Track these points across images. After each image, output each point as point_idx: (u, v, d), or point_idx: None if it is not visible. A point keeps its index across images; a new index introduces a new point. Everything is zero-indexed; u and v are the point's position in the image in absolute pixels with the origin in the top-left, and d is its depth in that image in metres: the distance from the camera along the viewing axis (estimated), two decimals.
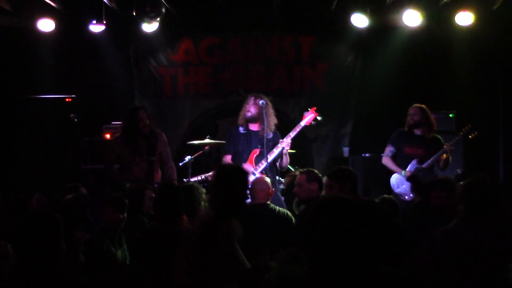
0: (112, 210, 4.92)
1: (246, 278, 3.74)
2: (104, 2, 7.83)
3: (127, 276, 3.96)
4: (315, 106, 7.37)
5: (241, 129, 7.11)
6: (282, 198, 6.93)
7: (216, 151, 8.91)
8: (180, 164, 7.78)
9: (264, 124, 6.82)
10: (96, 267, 4.24)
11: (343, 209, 3.15)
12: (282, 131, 7.40)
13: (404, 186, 6.97)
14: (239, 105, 7.34)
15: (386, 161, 7.21)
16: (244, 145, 7.04)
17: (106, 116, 8.76)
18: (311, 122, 7.14)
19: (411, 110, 7.19)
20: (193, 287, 3.67)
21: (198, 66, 9.75)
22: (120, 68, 9.63)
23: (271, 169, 6.95)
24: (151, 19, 8.38)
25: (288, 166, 7.42)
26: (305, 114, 7.18)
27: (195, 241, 3.79)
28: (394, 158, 7.17)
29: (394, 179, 7.12)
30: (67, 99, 8.75)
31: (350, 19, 8.46)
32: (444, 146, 6.99)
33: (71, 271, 3.65)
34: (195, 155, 7.78)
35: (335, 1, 8.48)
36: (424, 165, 6.94)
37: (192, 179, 7.64)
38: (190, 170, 7.66)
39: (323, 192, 5.44)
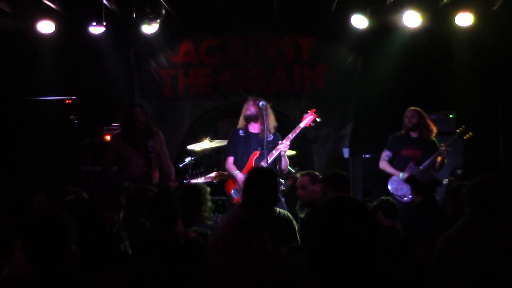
0: (106, 209, 4.91)
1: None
2: (104, 3, 7.82)
3: (128, 276, 3.97)
4: (315, 107, 7.36)
5: (240, 132, 7.12)
6: (283, 200, 6.94)
7: (217, 153, 8.92)
8: (180, 165, 7.78)
9: (264, 126, 6.83)
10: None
11: (351, 209, 3.16)
12: (282, 132, 7.40)
13: (403, 187, 7.03)
14: (240, 106, 7.35)
15: (384, 165, 7.31)
16: (244, 147, 7.04)
17: (106, 117, 8.76)
18: (310, 124, 7.14)
19: (408, 113, 7.27)
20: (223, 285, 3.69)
21: (198, 67, 9.75)
22: (120, 70, 9.63)
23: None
24: (151, 20, 8.38)
25: (288, 167, 7.43)
26: (305, 115, 7.18)
27: (227, 241, 3.79)
28: (390, 162, 7.27)
29: (392, 182, 7.21)
30: (67, 101, 8.76)
31: (350, 20, 8.47)
32: (441, 148, 7.05)
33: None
34: (195, 156, 7.78)
35: (335, 2, 8.48)
36: (421, 167, 6.99)
37: (193, 181, 7.64)
38: (190, 171, 7.66)
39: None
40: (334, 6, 8.60)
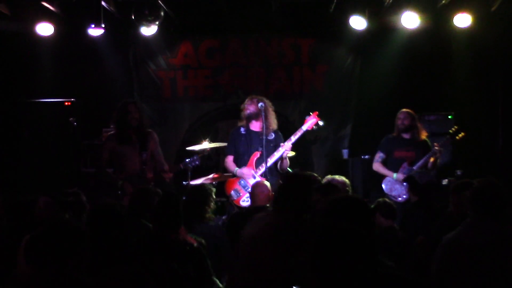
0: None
1: None
2: (103, 5, 7.83)
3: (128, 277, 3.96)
4: (314, 108, 7.39)
5: (242, 130, 7.13)
6: None
7: (216, 154, 8.93)
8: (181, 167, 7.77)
9: (263, 125, 6.84)
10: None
11: (354, 209, 3.16)
12: (281, 132, 7.42)
13: (397, 188, 7.18)
14: (239, 108, 7.37)
15: (377, 166, 7.48)
16: (245, 146, 7.06)
17: (106, 119, 8.73)
18: (312, 127, 7.19)
19: (400, 115, 7.41)
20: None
21: (197, 69, 9.76)
22: (119, 72, 9.64)
23: (272, 171, 6.97)
24: (150, 22, 8.38)
25: (288, 168, 7.44)
26: (307, 118, 7.23)
27: (264, 251, 3.77)
28: (384, 163, 7.43)
29: (386, 182, 7.34)
30: (66, 103, 8.77)
31: (349, 21, 8.47)
32: (433, 148, 7.16)
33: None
34: (198, 163, 7.77)
35: (334, 3, 8.49)
36: (414, 168, 7.14)
37: (192, 182, 7.64)
38: (189, 173, 7.66)
39: None
40: (333, 7, 8.60)
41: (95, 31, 8.13)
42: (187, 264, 4.04)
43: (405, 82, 9.20)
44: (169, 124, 9.76)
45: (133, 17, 8.36)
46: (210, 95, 9.80)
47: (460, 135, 7.43)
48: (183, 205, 5.43)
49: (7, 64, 9.28)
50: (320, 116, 7.37)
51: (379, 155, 7.48)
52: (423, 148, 7.27)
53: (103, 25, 7.83)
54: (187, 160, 7.04)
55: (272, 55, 9.70)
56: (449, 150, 8.32)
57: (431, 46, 9.07)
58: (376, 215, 5.30)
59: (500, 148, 9.07)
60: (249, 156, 7.02)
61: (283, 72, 9.72)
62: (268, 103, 7.10)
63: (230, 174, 7.19)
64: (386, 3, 8.28)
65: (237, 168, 7.00)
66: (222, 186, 7.11)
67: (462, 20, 8.34)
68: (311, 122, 7.19)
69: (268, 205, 5.71)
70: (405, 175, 7.02)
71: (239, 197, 6.93)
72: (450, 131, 7.49)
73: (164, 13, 8.44)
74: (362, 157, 8.60)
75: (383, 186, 7.32)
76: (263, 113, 6.91)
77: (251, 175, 6.89)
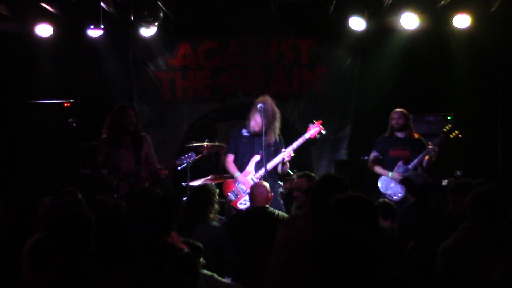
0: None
1: None
2: (102, 7, 7.82)
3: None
4: (314, 109, 7.41)
5: (244, 131, 7.12)
6: (282, 202, 6.95)
7: (215, 155, 8.92)
8: (179, 168, 7.77)
9: (264, 128, 6.84)
10: None
11: (360, 209, 3.16)
12: (280, 133, 7.41)
13: (392, 186, 7.24)
14: (238, 109, 7.39)
15: (372, 165, 7.54)
16: (246, 148, 7.05)
17: (105, 120, 8.75)
18: (315, 136, 7.20)
19: (394, 115, 7.48)
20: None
21: (197, 70, 9.75)
22: (119, 73, 9.63)
23: (272, 174, 6.97)
24: (149, 23, 8.38)
25: (288, 170, 7.45)
26: (310, 126, 7.25)
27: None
28: (379, 162, 7.50)
29: (381, 181, 7.40)
30: (65, 104, 8.77)
31: (348, 22, 8.48)
32: (428, 147, 7.23)
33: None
34: (194, 159, 7.77)
35: (333, 4, 8.49)
36: (410, 166, 7.20)
37: (191, 183, 7.64)
38: (189, 174, 7.66)
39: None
40: (332, 8, 8.60)
41: (94, 32, 8.13)
42: (179, 270, 4.03)
43: (404, 83, 9.20)
44: (169, 125, 9.76)
45: (132, 18, 8.37)
46: (209, 96, 9.80)
47: (454, 133, 7.48)
48: (185, 205, 5.43)
49: (6, 65, 9.28)
50: (320, 117, 7.38)
51: (374, 155, 7.56)
52: (418, 147, 7.35)
53: (102, 26, 7.83)
54: (182, 157, 7.05)
55: (272, 56, 9.70)
56: (458, 153, 8.43)
57: (431, 47, 9.07)
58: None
59: (499, 149, 9.07)
60: (249, 159, 7.01)
61: (283, 73, 9.72)
62: (271, 106, 7.08)
63: (229, 175, 7.18)
64: (385, 4, 8.29)
65: (238, 173, 6.98)
66: (220, 187, 7.10)
67: (462, 20, 8.34)
68: (314, 130, 7.21)
69: (267, 205, 5.71)
70: (400, 174, 7.09)
71: (237, 199, 6.92)
72: (444, 129, 7.54)
73: (163, 14, 8.44)
74: (362, 157, 8.60)
75: (379, 184, 7.38)
76: (262, 114, 6.89)
77: (249, 185, 6.89)
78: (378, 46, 9.21)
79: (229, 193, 6.94)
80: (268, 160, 6.85)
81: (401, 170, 7.19)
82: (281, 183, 7.58)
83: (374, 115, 9.07)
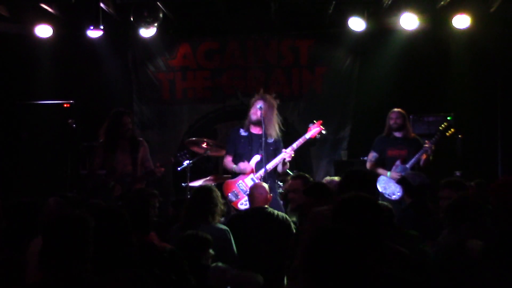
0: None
1: None
2: (102, 7, 7.83)
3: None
4: (313, 110, 7.42)
5: (242, 131, 7.13)
6: (281, 202, 6.94)
7: (215, 156, 8.91)
8: (179, 168, 7.78)
9: (263, 127, 6.85)
10: None
11: (365, 208, 3.16)
12: (280, 133, 7.41)
13: (390, 186, 7.28)
14: (238, 109, 7.39)
15: (370, 165, 7.59)
16: (245, 148, 7.06)
17: (103, 124, 8.75)
18: (315, 136, 7.22)
19: (392, 114, 7.55)
20: None
21: (196, 71, 9.75)
22: (118, 73, 9.64)
23: (271, 174, 6.97)
24: (148, 24, 8.39)
25: (288, 170, 7.45)
26: (311, 126, 7.26)
27: None
28: (377, 162, 7.56)
29: (380, 181, 7.41)
30: (65, 105, 8.76)
31: (347, 23, 8.48)
32: (424, 145, 7.30)
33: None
34: (194, 159, 7.78)
35: (333, 5, 8.49)
36: (407, 165, 7.26)
37: (191, 184, 7.64)
38: (188, 174, 7.66)
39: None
40: (331, 8, 8.60)
41: (94, 33, 8.13)
42: (167, 269, 4.03)
43: (404, 83, 9.20)
44: (168, 125, 9.75)
45: (132, 19, 8.37)
46: (209, 97, 9.79)
47: (450, 132, 7.54)
48: (187, 206, 5.39)
49: (6, 66, 9.28)
50: (320, 118, 7.38)
51: (372, 155, 7.61)
52: (415, 146, 7.41)
53: (102, 27, 7.83)
54: (178, 154, 7.09)
55: (271, 57, 9.69)
56: (458, 153, 8.50)
57: (430, 47, 9.06)
58: None
59: (499, 149, 9.07)
60: (248, 159, 7.02)
61: (282, 73, 9.71)
62: (271, 103, 7.10)
63: (229, 175, 7.19)
64: (385, 4, 8.29)
65: (235, 166, 6.99)
66: (220, 188, 7.11)
67: (461, 21, 8.34)
68: (314, 130, 7.22)
69: (266, 206, 5.71)
70: (398, 173, 7.13)
71: (238, 199, 6.91)
72: (440, 127, 7.62)
73: (162, 15, 8.45)
74: (361, 158, 8.59)
75: (378, 185, 7.37)
76: (262, 115, 6.91)
77: (250, 170, 6.89)
78: (377, 46, 9.20)
79: (229, 194, 6.93)
80: (268, 160, 6.85)
81: (399, 169, 7.23)
82: (281, 184, 7.58)
83: (373, 116, 9.05)
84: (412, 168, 7.24)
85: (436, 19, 8.59)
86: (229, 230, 5.28)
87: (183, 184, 7.83)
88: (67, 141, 8.32)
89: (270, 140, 7.00)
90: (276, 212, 5.63)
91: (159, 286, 3.73)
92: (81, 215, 3.34)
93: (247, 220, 5.56)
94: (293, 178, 5.81)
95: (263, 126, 6.88)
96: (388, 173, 7.34)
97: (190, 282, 4.19)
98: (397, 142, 7.50)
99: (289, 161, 7.12)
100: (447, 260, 3.87)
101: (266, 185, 5.89)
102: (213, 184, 7.41)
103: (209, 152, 7.72)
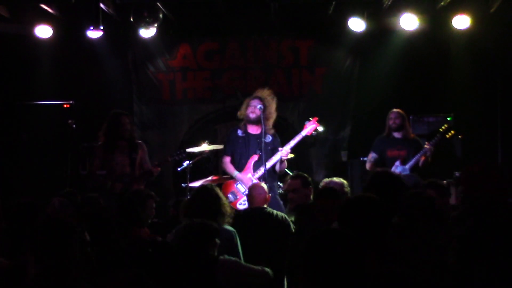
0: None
1: None
2: (102, 8, 7.83)
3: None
4: (313, 110, 7.42)
5: (239, 132, 7.14)
6: (281, 202, 6.95)
7: (215, 157, 8.92)
8: (179, 169, 7.79)
9: (262, 128, 6.87)
10: None
11: (373, 207, 3.17)
12: (280, 135, 7.43)
13: None
14: (238, 110, 7.38)
15: (369, 166, 7.68)
16: (242, 148, 7.08)
17: (102, 125, 8.76)
18: (312, 133, 7.22)
19: (392, 115, 7.62)
20: None
21: (196, 71, 9.75)
22: (118, 74, 9.63)
23: (270, 174, 6.98)
24: (148, 24, 8.39)
25: (287, 170, 7.45)
26: (306, 123, 7.26)
27: None
28: (376, 163, 7.62)
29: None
30: (65, 105, 8.77)
31: (347, 23, 8.48)
32: (425, 146, 7.36)
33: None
34: (194, 160, 7.79)
35: (333, 5, 8.49)
36: (407, 166, 7.32)
37: (191, 184, 7.64)
38: (188, 175, 7.67)
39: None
40: (331, 9, 8.60)
41: (94, 33, 8.13)
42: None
43: (404, 84, 9.20)
44: (168, 126, 9.75)
45: (132, 19, 8.38)
46: (209, 97, 9.79)
47: (450, 133, 7.57)
48: (186, 207, 5.34)
49: (6, 67, 9.28)
50: (319, 118, 7.39)
51: (372, 156, 7.68)
52: (414, 147, 7.47)
53: (102, 27, 7.82)
54: (174, 153, 7.26)
55: (271, 57, 9.69)
56: (458, 154, 8.55)
57: (430, 48, 9.06)
58: None
59: (499, 150, 9.07)
60: (246, 159, 7.02)
61: (282, 74, 9.71)
62: (269, 101, 7.12)
63: (229, 176, 7.19)
64: (385, 5, 8.29)
65: (236, 172, 7.00)
66: (219, 189, 7.10)
67: (461, 21, 8.34)
68: (310, 127, 7.22)
69: (265, 206, 5.71)
70: (397, 174, 7.11)
71: (236, 199, 6.92)
72: (440, 129, 7.66)
73: (162, 15, 8.46)
74: (361, 158, 8.60)
75: None
76: (262, 115, 6.94)
77: (250, 182, 6.90)
78: (377, 47, 9.20)
79: (228, 194, 6.94)
80: (267, 160, 6.86)
81: (398, 170, 7.26)
82: (281, 184, 7.58)
83: (373, 116, 9.06)
84: (412, 169, 7.25)
85: (436, 19, 8.59)
86: (236, 233, 5.15)
87: (183, 184, 7.84)
88: (67, 141, 8.32)
89: (268, 140, 7.02)
90: (275, 212, 5.63)
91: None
92: (66, 222, 3.33)
93: (246, 220, 5.55)
94: (292, 178, 5.82)
95: (262, 125, 6.89)
96: None
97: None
98: (396, 143, 7.55)
99: (287, 160, 7.13)
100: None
101: (264, 185, 5.89)
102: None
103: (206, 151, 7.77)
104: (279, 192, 7.26)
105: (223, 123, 9.61)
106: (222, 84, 9.76)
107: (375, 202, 3.28)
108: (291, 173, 7.76)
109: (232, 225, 5.49)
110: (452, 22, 8.39)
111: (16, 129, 8.83)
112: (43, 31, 8.66)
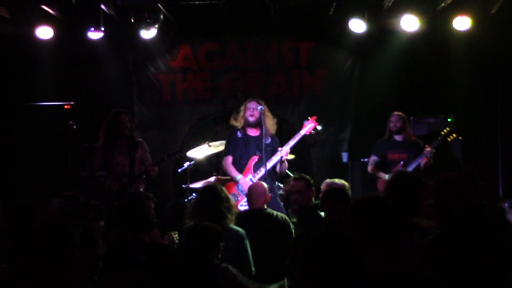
0: (92, 216, 4.92)
1: None
2: (103, 9, 7.83)
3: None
4: (313, 111, 7.41)
5: (239, 134, 7.15)
6: (281, 204, 6.95)
7: (215, 157, 8.92)
8: (179, 170, 7.79)
9: (263, 130, 6.88)
10: None
11: (384, 208, 3.17)
12: (280, 136, 7.44)
13: None
14: (238, 110, 7.39)
15: (371, 169, 7.75)
16: (243, 150, 7.08)
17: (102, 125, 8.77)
18: (311, 132, 7.23)
19: (393, 118, 7.68)
20: None
21: (197, 72, 9.75)
22: (119, 75, 9.64)
23: (270, 175, 6.99)
24: (149, 25, 8.40)
25: (287, 171, 7.45)
26: (305, 123, 7.27)
27: None
28: (377, 166, 7.70)
29: (382, 184, 7.46)
30: (66, 106, 8.78)
31: (348, 24, 8.48)
32: (425, 150, 7.40)
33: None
34: (194, 161, 7.79)
35: (333, 7, 8.49)
36: (409, 169, 7.33)
37: (191, 185, 7.65)
38: (189, 176, 7.67)
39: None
40: (332, 10, 8.60)
41: (94, 35, 8.14)
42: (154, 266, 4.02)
43: (404, 85, 9.20)
44: (169, 127, 9.76)
45: (132, 21, 8.38)
46: (209, 98, 9.79)
47: (451, 137, 7.60)
48: (193, 208, 5.28)
49: (7, 67, 9.28)
50: (319, 119, 7.39)
51: (373, 158, 7.75)
52: (415, 149, 7.54)
53: (102, 29, 7.83)
54: (170, 152, 7.30)
55: (271, 58, 9.69)
56: (458, 155, 8.51)
57: (431, 49, 9.07)
58: None
59: (499, 151, 9.07)
60: (246, 161, 7.03)
61: (282, 75, 9.72)
62: (266, 107, 7.15)
63: (229, 177, 7.19)
64: (385, 6, 8.29)
65: (240, 176, 6.98)
66: None
67: (462, 23, 8.34)
68: (309, 126, 7.23)
69: (265, 207, 5.71)
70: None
71: (237, 201, 6.91)
72: (442, 132, 7.71)
73: (163, 17, 8.46)
74: (362, 160, 8.60)
75: (379, 189, 7.45)
76: (262, 117, 6.95)
77: (249, 180, 6.90)
78: (378, 48, 9.20)
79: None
80: (267, 161, 6.86)
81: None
82: (281, 185, 7.58)
83: (374, 117, 9.07)
84: (413, 172, 7.23)
85: (437, 21, 8.58)
86: (246, 234, 5.07)
87: (183, 185, 7.84)
88: (68, 142, 8.33)
89: (268, 141, 7.02)
90: (275, 212, 5.64)
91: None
92: (65, 223, 3.33)
93: (246, 221, 5.55)
94: (296, 179, 5.81)
95: (263, 127, 6.89)
96: (386, 176, 7.46)
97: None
98: (397, 146, 7.61)
99: (287, 160, 7.13)
100: None
101: (264, 184, 5.90)
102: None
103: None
104: (280, 194, 7.26)
105: (224, 124, 9.58)
106: (222, 85, 9.76)
107: (386, 203, 3.27)
108: (291, 174, 7.78)
109: None
110: (453, 23, 8.39)
111: (17, 130, 8.84)
112: (44, 32, 8.66)
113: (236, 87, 9.72)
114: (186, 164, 7.69)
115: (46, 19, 8.57)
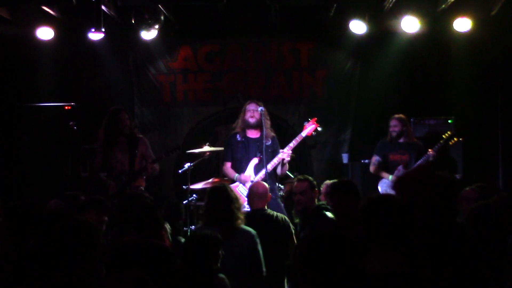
0: (95, 212, 4.93)
1: None
2: (103, 10, 7.83)
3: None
4: (314, 113, 7.41)
5: (238, 137, 7.15)
6: (282, 205, 6.95)
7: (216, 158, 8.94)
8: (180, 171, 7.79)
9: (263, 131, 6.88)
10: None
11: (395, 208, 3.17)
12: (281, 137, 7.45)
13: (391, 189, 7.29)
14: (239, 112, 7.39)
15: (373, 169, 7.79)
16: (243, 152, 7.08)
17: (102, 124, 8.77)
18: (311, 133, 7.24)
19: (392, 122, 7.75)
20: None
21: (197, 73, 9.75)
22: (119, 76, 9.64)
23: (271, 176, 6.98)
24: (150, 26, 8.40)
25: (287, 172, 7.46)
26: (306, 124, 7.27)
27: None
28: (380, 166, 7.74)
29: (382, 184, 7.61)
30: (66, 107, 8.78)
31: (348, 26, 8.48)
32: (428, 152, 7.46)
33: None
34: (195, 162, 7.79)
35: (334, 8, 8.50)
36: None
37: (192, 186, 7.64)
38: (189, 177, 7.67)
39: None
40: (332, 11, 8.61)
41: (95, 35, 8.11)
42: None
43: (405, 86, 9.21)
44: (169, 128, 9.76)
45: (133, 21, 8.38)
46: (209, 99, 9.80)
47: (453, 140, 7.63)
48: (205, 210, 5.26)
49: (7, 68, 9.28)
50: (320, 120, 7.39)
51: (375, 159, 7.81)
52: (417, 151, 7.61)
53: (103, 29, 7.82)
54: (168, 149, 7.32)
55: (272, 60, 9.70)
56: (458, 156, 8.51)
57: (431, 51, 9.08)
58: None
59: (499, 152, 9.07)
60: (247, 163, 7.03)
61: (283, 76, 9.72)
62: (265, 109, 7.16)
63: (230, 179, 7.19)
64: (386, 8, 8.29)
65: (237, 174, 7.01)
66: None
67: (462, 24, 8.35)
68: (310, 128, 7.23)
69: (266, 208, 5.71)
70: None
71: None
72: (444, 136, 7.72)
73: (164, 18, 8.46)
74: (362, 161, 8.61)
75: (379, 187, 7.57)
76: (263, 118, 6.95)
77: (249, 180, 6.90)
78: (378, 49, 9.21)
79: None
80: (268, 162, 6.86)
81: (401, 174, 7.25)
82: (282, 186, 7.58)
83: (374, 118, 9.08)
84: None
85: (437, 22, 8.58)
86: (256, 234, 5.01)
87: (184, 186, 7.84)
88: (68, 143, 8.33)
89: (268, 143, 7.02)
90: (275, 213, 5.64)
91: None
92: (86, 220, 3.35)
93: (247, 222, 5.54)
94: (299, 180, 5.80)
95: (263, 128, 6.89)
96: (390, 177, 7.53)
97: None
98: (398, 147, 7.67)
99: (289, 162, 7.13)
100: None
101: (265, 184, 5.89)
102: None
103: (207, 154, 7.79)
104: (281, 195, 7.27)
105: (224, 125, 9.60)
106: (222, 86, 9.76)
107: (400, 203, 3.25)
108: (291, 175, 7.78)
109: None
110: (453, 24, 8.40)
111: (18, 131, 8.84)
112: (45, 33, 8.66)
113: (237, 88, 9.72)
114: (187, 165, 7.68)
115: (46, 19, 8.57)
